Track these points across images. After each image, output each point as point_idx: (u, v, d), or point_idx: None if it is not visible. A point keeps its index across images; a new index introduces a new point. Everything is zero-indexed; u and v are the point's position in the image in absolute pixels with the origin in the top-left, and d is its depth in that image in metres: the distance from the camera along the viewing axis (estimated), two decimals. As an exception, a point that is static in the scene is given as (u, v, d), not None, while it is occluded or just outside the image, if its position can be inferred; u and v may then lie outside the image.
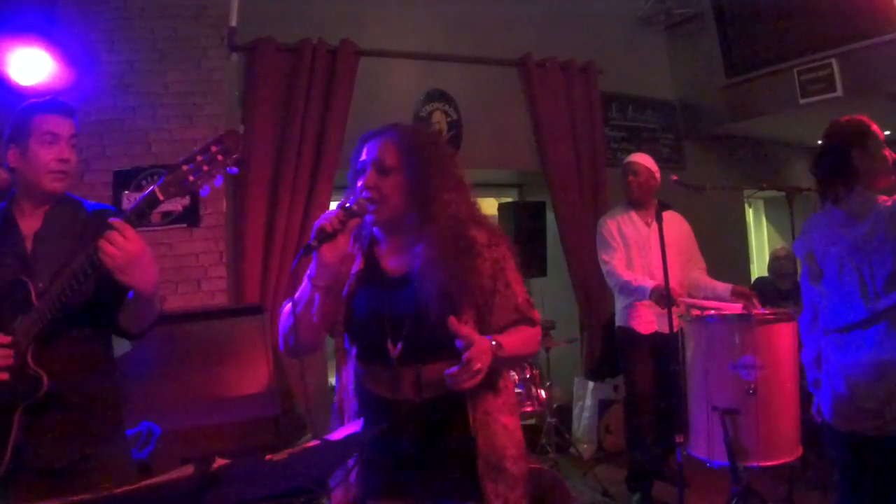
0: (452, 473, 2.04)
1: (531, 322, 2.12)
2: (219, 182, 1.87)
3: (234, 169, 1.87)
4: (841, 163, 2.73)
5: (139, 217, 1.92)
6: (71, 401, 2.17)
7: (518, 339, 2.05)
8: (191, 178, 1.84)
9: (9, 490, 2.10)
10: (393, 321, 2.03)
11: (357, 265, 2.15)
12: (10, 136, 2.20)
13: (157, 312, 2.21)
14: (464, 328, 1.87)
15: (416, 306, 2.00)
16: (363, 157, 2.10)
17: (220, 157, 1.83)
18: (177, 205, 4.44)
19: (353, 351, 2.13)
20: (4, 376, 2.01)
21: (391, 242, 2.14)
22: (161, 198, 1.87)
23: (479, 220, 2.14)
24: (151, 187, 1.87)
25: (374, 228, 2.08)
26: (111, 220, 1.89)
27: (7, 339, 2.04)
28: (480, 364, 1.84)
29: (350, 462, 2.03)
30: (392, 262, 2.13)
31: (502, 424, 2.08)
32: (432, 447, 2.02)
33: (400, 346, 2.00)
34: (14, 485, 2.10)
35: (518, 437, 2.14)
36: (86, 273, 1.95)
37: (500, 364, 1.97)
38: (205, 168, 1.83)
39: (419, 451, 2.01)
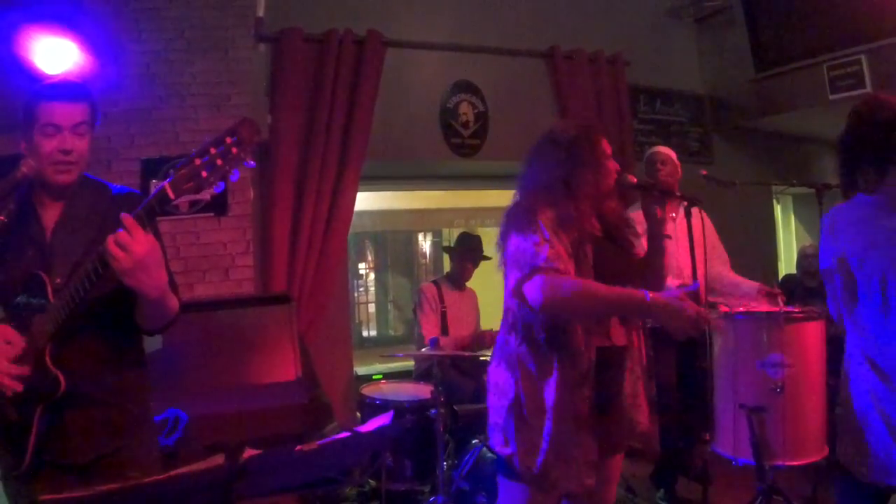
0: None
1: None
2: (235, 177, 1.75)
3: (251, 163, 1.74)
4: (882, 142, 2.37)
5: (150, 216, 1.81)
6: (94, 397, 2.13)
7: None
8: (203, 173, 1.71)
9: (33, 485, 2.07)
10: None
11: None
12: (21, 124, 2.11)
13: (171, 314, 2.12)
14: None
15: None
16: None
17: (234, 150, 1.70)
18: (205, 193, 4.45)
19: None
20: (18, 387, 1.95)
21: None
22: (172, 196, 1.75)
23: None
24: (162, 184, 1.75)
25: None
26: (122, 216, 1.78)
27: (20, 341, 1.99)
28: None
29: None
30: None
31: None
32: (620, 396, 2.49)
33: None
34: (38, 479, 2.07)
35: None
36: (97, 272, 1.88)
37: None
38: (219, 162, 1.70)
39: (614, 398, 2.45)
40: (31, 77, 3.72)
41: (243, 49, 4.75)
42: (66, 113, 2.08)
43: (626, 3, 6.60)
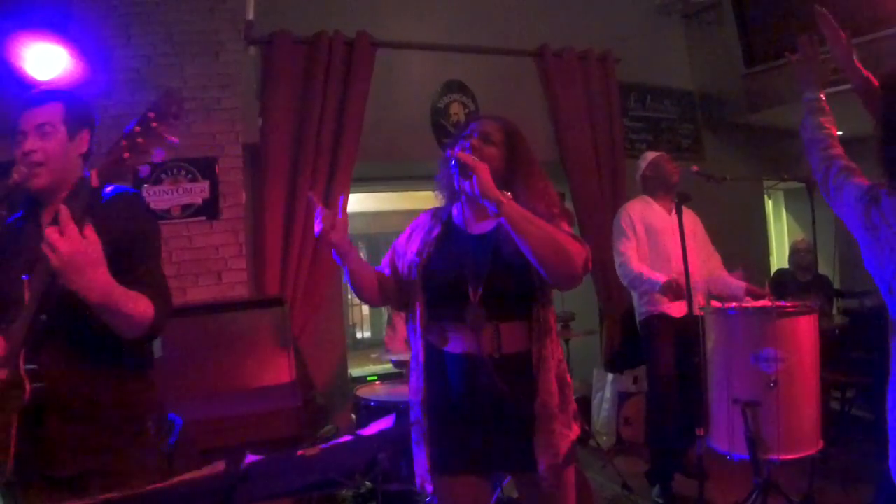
0: (513, 442, 2.22)
1: (573, 236, 2.23)
2: (158, 157, 1.66)
3: (174, 140, 1.67)
4: None
5: (84, 209, 1.72)
6: (73, 409, 1.99)
7: (540, 221, 2.13)
8: (126, 154, 1.65)
9: (18, 496, 2.00)
10: (473, 269, 2.22)
11: (437, 230, 2.40)
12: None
13: (138, 320, 1.91)
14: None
15: (496, 255, 2.23)
16: (471, 127, 2.40)
17: (154, 125, 1.63)
18: (196, 197, 4.46)
19: (424, 316, 2.31)
20: None
21: (472, 207, 2.35)
22: (96, 184, 1.69)
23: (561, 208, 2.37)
24: (87, 172, 1.69)
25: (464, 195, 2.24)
26: (59, 207, 1.69)
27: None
28: (478, 167, 2.07)
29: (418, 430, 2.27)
30: (471, 224, 2.36)
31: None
32: (502, 409, 2.19)
33: (480, 290, 2.18)
34: (24, 491, 1.99)
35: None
36: (50, 272, 1.74)
37: (508, 214, 2.07)
38: (139, 141, 1.64)
39: (489, 412, 2.20)
40: (24, 83, 3.72)
41: (233, 52, 4.74)
42: (28, 117, 2.06)
43: (615, 0, 6.61)
